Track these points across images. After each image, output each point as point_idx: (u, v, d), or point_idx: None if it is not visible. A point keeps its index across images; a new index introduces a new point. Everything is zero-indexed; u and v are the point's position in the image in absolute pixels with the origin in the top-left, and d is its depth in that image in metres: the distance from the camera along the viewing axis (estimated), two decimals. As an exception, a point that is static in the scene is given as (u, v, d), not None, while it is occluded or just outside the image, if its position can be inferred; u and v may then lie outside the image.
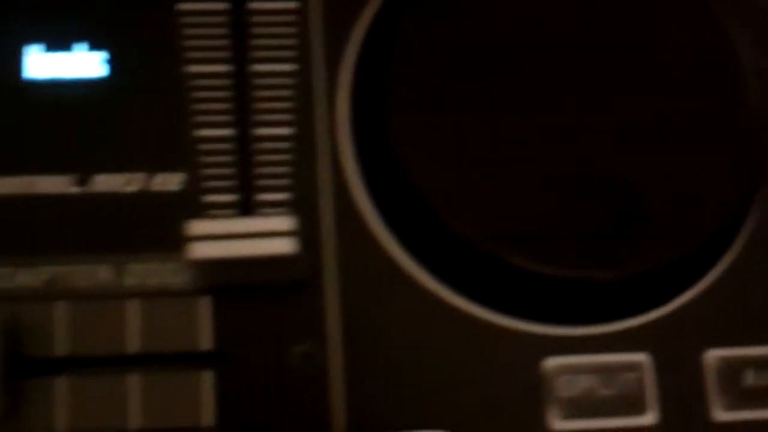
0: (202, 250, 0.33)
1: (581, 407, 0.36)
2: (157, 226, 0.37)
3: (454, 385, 0.36)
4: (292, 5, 0.39)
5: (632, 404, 0.37)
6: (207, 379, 0.36)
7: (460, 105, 0.37)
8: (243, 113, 0.38)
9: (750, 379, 0.37)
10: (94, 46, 0.38)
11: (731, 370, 0.37)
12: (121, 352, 0.36)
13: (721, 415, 0.37)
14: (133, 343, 0.36)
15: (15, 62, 0.38)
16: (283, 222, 0.34)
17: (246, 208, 0.37)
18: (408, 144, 0.36)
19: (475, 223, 0.36)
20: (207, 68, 0.38)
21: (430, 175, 0.36)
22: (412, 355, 0.37)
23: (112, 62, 0.38)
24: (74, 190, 0.37)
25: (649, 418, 0.36)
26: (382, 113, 0.37)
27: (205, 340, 0.36)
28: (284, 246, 0.34)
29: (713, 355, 0.37)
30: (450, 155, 0.36)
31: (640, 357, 0.37)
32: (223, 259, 0.33)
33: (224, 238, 0.34)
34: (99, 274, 0.36)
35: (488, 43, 0.37)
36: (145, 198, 0.37)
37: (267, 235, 0.34)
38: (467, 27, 0.37)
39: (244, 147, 0.38)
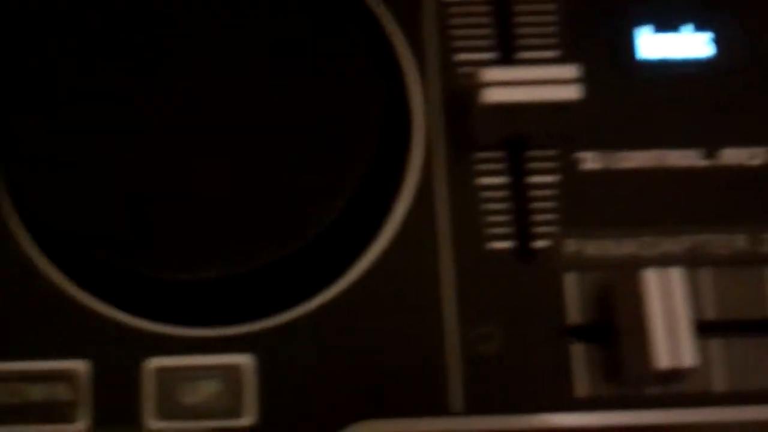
0: None
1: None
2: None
3: None
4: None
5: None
6: None
7: None
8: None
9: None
10: (700, 26, 0.40)
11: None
12: (763, 316, 0.38)
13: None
14: (775, 307, 0.38)
15: (628, 43, 0.40)
16: None
17: None
18: None
19: None
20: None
21: None
22: None
23: (717, 42, 0.40)
24: (703, 163, 0.39)
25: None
26: None
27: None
28: None
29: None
30: None
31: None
32: None
33: None
34: (736, 242, 0.38)
35: None
36: (770, 171, 0.39)
37: None
38: None
39: None
